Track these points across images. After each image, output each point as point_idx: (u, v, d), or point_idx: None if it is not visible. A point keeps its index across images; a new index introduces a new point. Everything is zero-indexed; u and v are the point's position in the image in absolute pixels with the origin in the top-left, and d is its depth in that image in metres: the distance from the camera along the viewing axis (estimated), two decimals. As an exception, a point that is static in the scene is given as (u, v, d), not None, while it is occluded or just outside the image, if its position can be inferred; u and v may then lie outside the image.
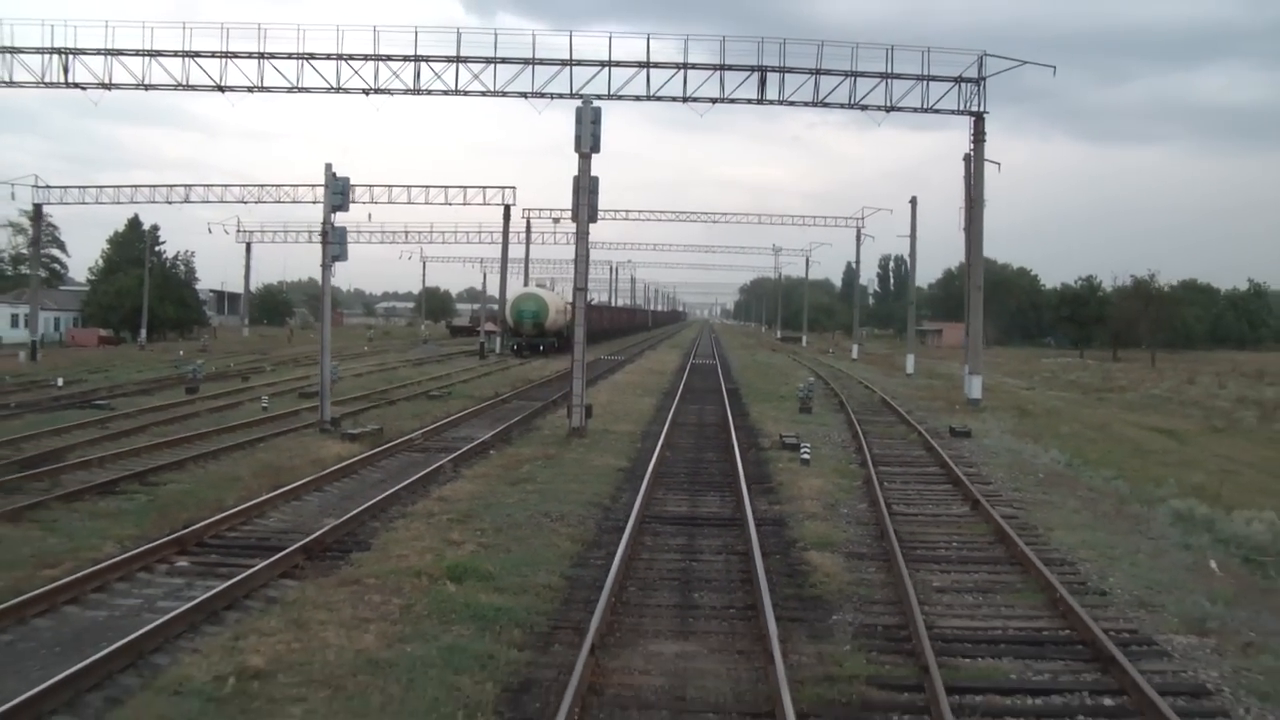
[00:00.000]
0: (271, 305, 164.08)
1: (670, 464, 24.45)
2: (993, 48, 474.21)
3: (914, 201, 66.05)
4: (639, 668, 10.89)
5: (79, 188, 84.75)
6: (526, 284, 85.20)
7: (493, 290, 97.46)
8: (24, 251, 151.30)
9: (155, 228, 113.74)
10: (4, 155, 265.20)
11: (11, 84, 42.11)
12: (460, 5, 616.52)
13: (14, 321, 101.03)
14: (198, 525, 16.74)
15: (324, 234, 29.00)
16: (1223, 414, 46.65)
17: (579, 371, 29.17)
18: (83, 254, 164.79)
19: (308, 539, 15.73)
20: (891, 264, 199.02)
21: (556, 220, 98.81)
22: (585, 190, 28.26)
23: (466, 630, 11.52)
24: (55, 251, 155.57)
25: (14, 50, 41.74)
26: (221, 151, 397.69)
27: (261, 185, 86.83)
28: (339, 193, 29.08)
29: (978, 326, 44.38)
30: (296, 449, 25.32)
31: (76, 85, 41.99)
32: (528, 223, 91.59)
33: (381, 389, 43.08)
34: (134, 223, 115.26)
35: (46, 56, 41.68)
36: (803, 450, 25.69)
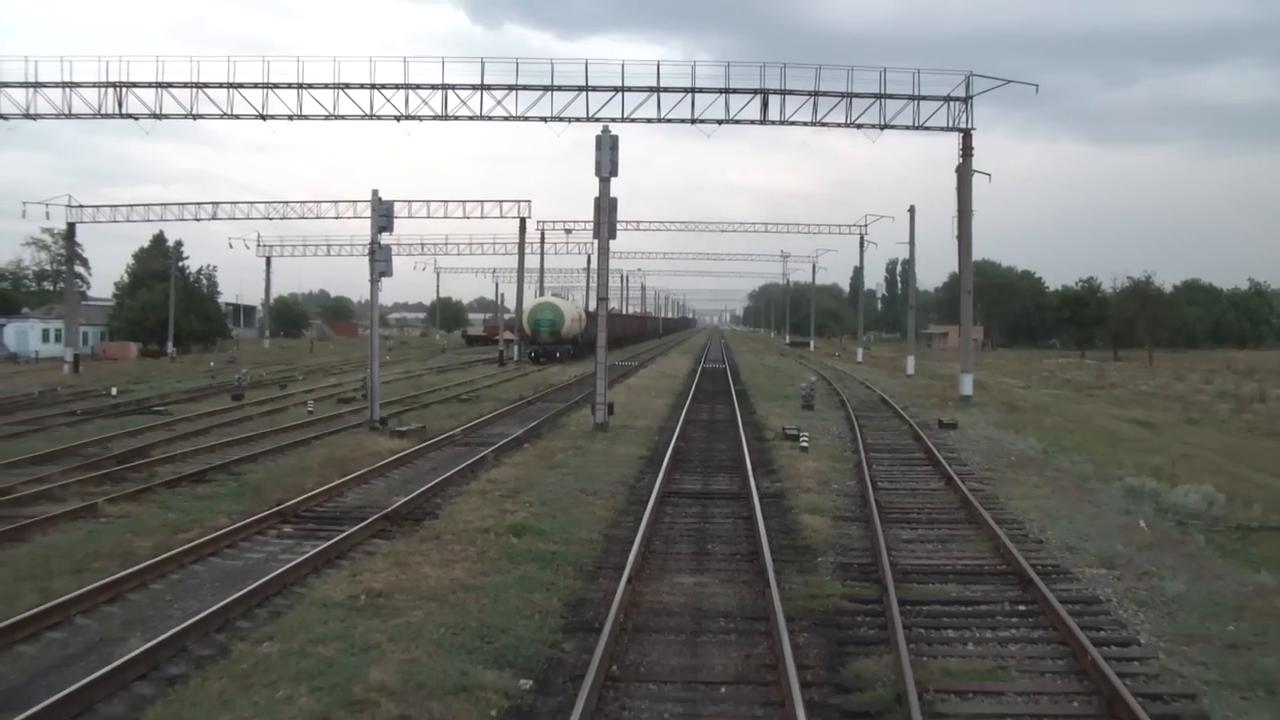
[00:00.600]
0: (287, 317, 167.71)
1: (685, 452, 27.82)
2: (997, 50, 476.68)
3: (912, 210, 69.43)
4: (665, 591, 14.26)
5: (110, 206, 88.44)
6: (541, 294, 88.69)
7: (507, 300, 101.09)
8: (47, 268, 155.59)
9: (179, 243, 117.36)
10: (14, 172, 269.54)
11: (71, 115, 45.71)
12: (466, 15, 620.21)
13: (46, 336, 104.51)
14: (291, 502, 20.14)
15: (371, 253, 32.42)
16: (1200, 407, 49.90)
17: (602, 373, 32.64)
18: (100, 269, 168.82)
19: (387, 510, 19.14)
20: (898, 268, 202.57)
21: (569, 231, 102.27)
22: (605, 210, 31.66)
23: (531, 567, 14.91)
24: (77, 268, 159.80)
25: (73, 85, 45.31)
26: (229, 164, 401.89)
27: (286, 202, 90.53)
28: (384, 215, 32.53)
29: (969, 329, 47.74)
30: (352, 444, 28.71)
31: (130, 116, 45.63)
32: (542, 235, 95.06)
33: (413, 394, 46.52)
34: (158, 239, 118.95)
35: (102, 90, 45.27)
36: (802, 440, 29.08)
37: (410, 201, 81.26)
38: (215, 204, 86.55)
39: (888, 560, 15.36)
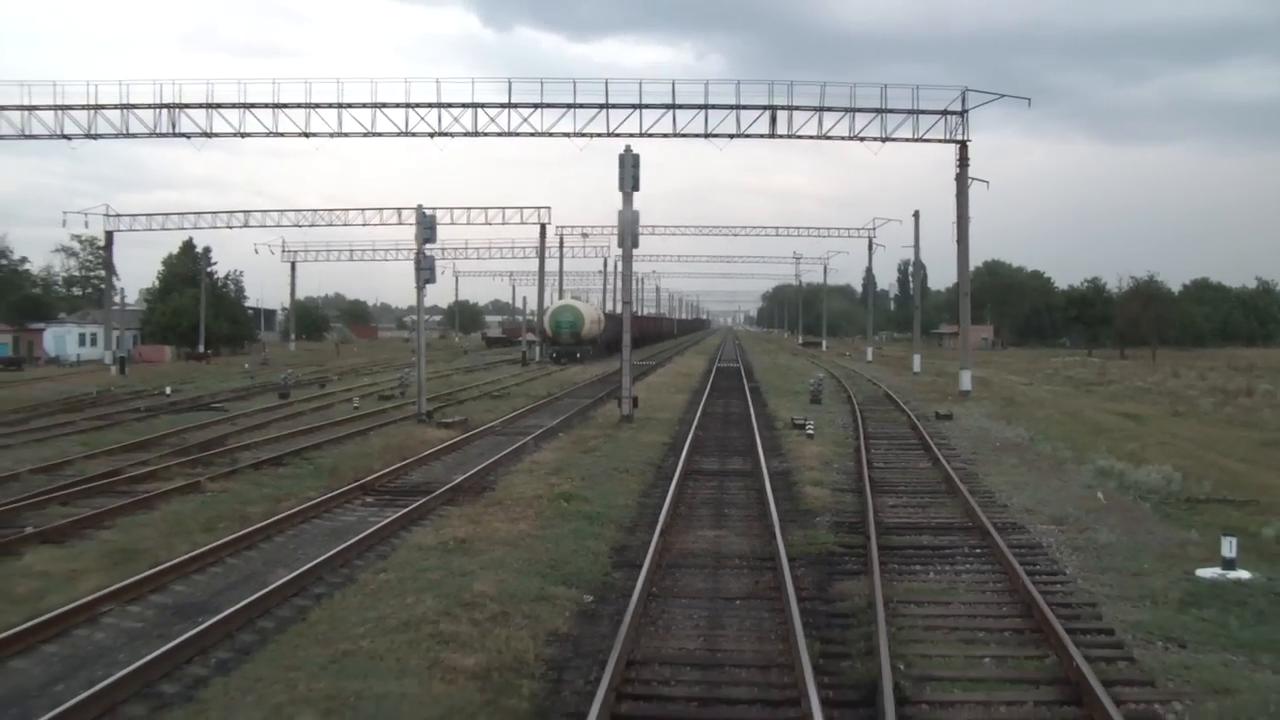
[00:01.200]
0: (308, 320, 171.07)
1: (703, 440, 31.27)
2: (1008, 48, 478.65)
3: (917, 215, 72.71)
4: (690, 541, 17.73)
5: (146, 215, 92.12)
6: (561, 296, 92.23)
7: (525, 303, 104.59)
8: (76, 274, 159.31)
9: (208, 250, 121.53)
10: (32, 178, 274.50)
11: (130, 135, 49.45)
12: (477, 19, 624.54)
13: (82, 340, 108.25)
14: (367, 479, 23.63)
15: (417, 262, 35.97)
16: (1188, 401, 53.17)
17: (627, 369, 36.14)
18: (123, 273, 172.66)
19: (451, 484, 22.64)
20: (910, 269, 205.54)
21: (586, 235, 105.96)
22: (629, 222, 35.14)
23: (581, 524, 18.40)
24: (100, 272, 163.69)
25: (130, 106, 48.97)
26: (242, 169, 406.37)
27: (315, 210, 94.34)
28: (428, 228, 36.15)
29: (967, 328, 51.17)
30: (404, 434, 32.21)
31: (183, 135, 49.25)
32: (561, 240, 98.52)
33: (447, 391, 50.05)
34: (187, 245, 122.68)
35: (157, 111, 48.93)
36: (808, 428, 32.53)
37: (434, 209, 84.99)
38: (246, 212, 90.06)
39: (873, 519, 18.75)
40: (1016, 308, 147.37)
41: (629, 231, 35.12)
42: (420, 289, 36.94)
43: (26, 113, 49.72)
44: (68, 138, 50.02)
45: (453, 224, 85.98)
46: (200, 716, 9.82)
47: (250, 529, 18.24)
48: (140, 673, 10.87)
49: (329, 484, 23.53)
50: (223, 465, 26.45)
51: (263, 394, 51.49)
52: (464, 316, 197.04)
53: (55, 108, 49.62)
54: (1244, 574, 15.28)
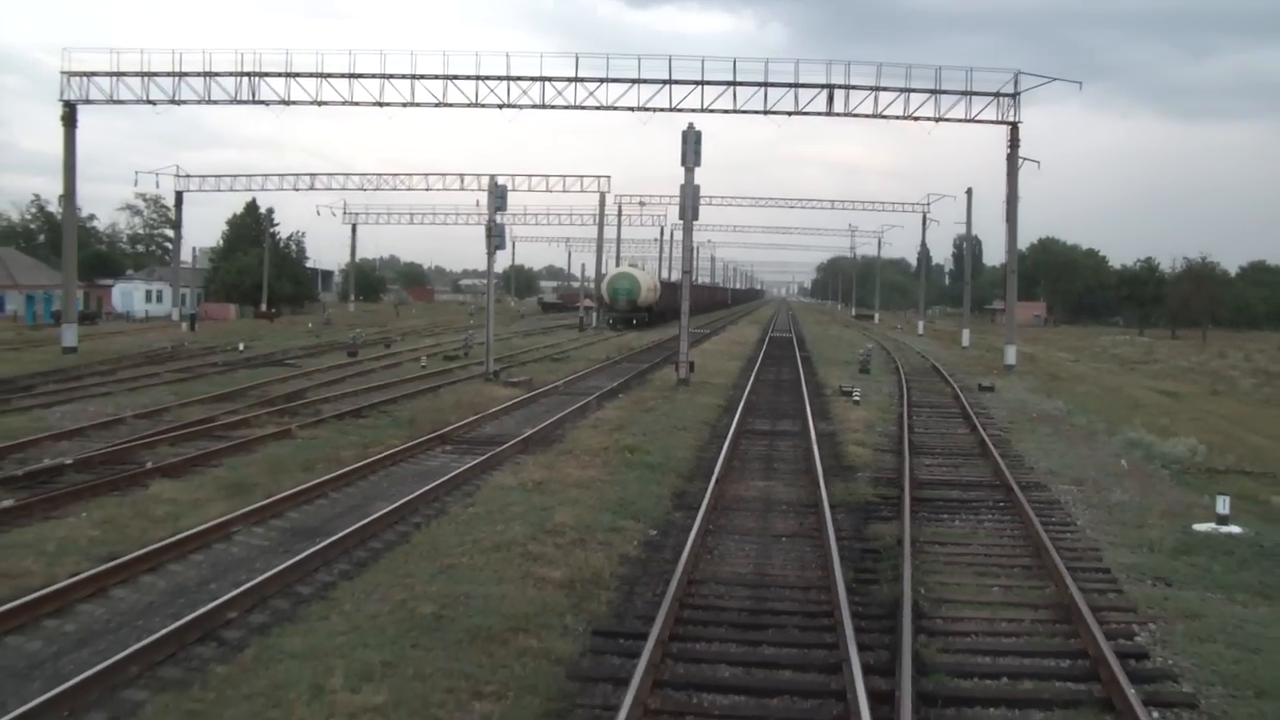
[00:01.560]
0: (365, 282, 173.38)
1: (756, 403, 33.27)
2: (1074, 22, 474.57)
3: (969, 192, 74.28)
4: (743, 490, 19.79)
5: (214, 176, 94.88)
6: (618, 264, 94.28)
7: (580, 269, 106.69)
8: (140, 231, 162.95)
9: (270, 210, 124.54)
10: (95, 136, 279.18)
11: (212, 102, 51.82)
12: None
13: (148, 296, 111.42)
14: (444, 430, 25.81)
15: (489, 230, 38.16)
16: (1229, 381, 54.68)
17: (684, 335, 38.21)
18: (187, 232, 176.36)
19: (522, 436, 24.80)
20: (965, 244, 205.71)
21: (643, 204, 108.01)
22: (690, 196, 37.09)
23: (644, 472, 20.53)
24: (169, 231, 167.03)
25: (213, 74, 51.37)
26: (300, 130, 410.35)
27: (380, 174, 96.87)
28: (500, 197, 38.29)
29: (1013, 305, 52.94)
30: (474, 392, 34.40)
31: (262, 102, 51.60)
32: (619, 208, 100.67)
33: (508, 354, 52.23)
34: (251, 205, 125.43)
35: (238, 79, 51.30)
36: (855, 395, 34.48)
37: (494, 174, 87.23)
38: (312, 175, 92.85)
39: (909, 475, 20.74)
40: (1070, 286, 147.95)
41: (690, 205, 37.05)
42: (490, 255, 39.12)
43: (115, 79, 52.17)
44: (153, 103, 52.50)
45: (513, 190, 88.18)
46: (335, 609, 11.97)
47: (346, 469, 20.45)
48: (279, 576, 13.07)
49: (409, 434, 25.71)
50: (308, 416, 28.71)
51: (330, 352, 53.91)
52: (519, 282, 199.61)
53: (141, 74, 52.03)
54: (1235, 529, 17.16)
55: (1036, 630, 12.36)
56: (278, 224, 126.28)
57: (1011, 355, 51.92)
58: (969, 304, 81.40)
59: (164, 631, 10.85)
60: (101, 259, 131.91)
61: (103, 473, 20.14)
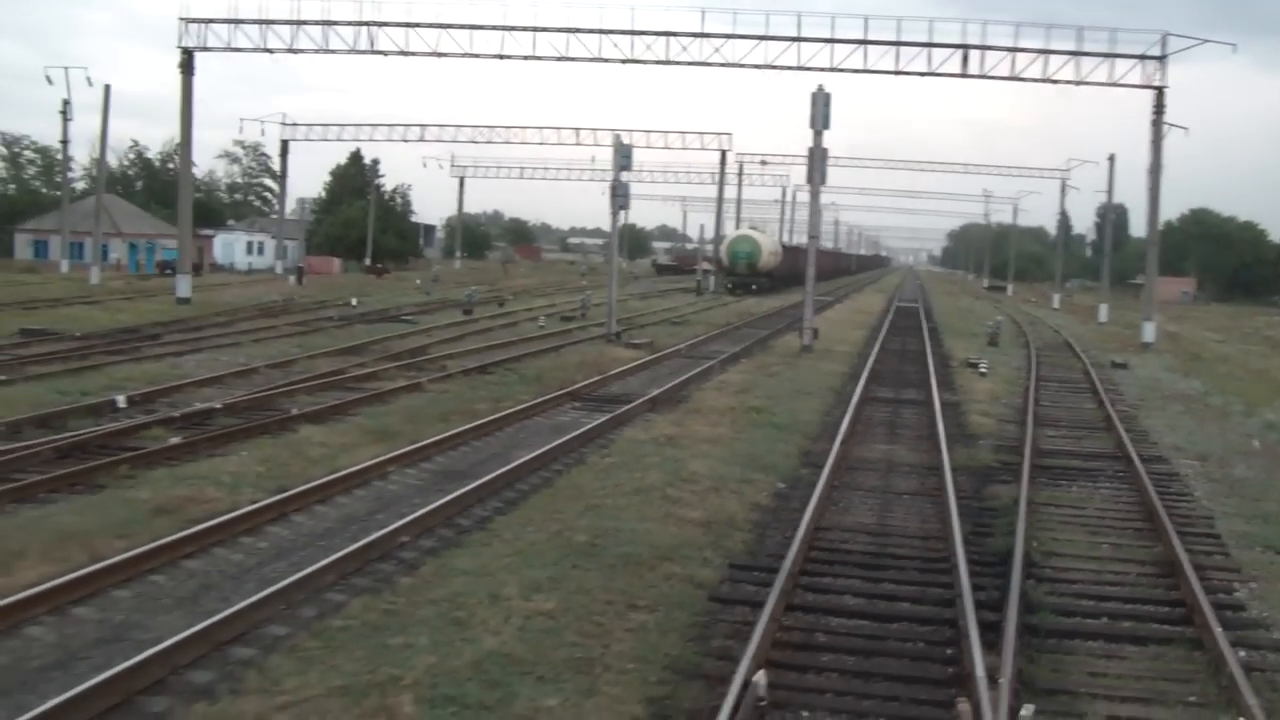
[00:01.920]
0: (469, 239, 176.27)
1: (880, 372, 35.10)
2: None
3: (1111, 159, 75.21)
4: (866, 451, 21.76)
5: (322, 125, 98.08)
6: (739, 226, 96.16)
7: (693, 229, 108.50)
8: (238, 180, 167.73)
9: (376, 162, 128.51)
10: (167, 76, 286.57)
11: (330, 51, 54.65)
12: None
13: (249, 248, 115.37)
14: (571, 388, 28.07)
15: (613, 189, 40.37)
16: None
17: (809, 301, 40.14)
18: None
19: (649, 396, 26.94)
20: (1106, 214, 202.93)
21: (765, 163, 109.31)
22: (819, 159, 38.94)
23: (771, 431, 22.62)
24: (268, 181, 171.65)
25: (331, 23, 54.13)
26: (405, 79, 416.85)
27: (492, 127, 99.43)
28: (625, 156, 40.54)
29: (1152, 279, 54.16)
30: (596, 352, 36.65)
31: (380, 52, 54.26)
32: (740, 168, 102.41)
33: (625, 316, 54.43)
34: (355, 156, 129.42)
35: (357, 28, 53.99)
36: (981, 367, 36.17)
37: (610, 129, 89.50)
38: (423, 126, 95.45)
39: (1030, 443, 22.52)
40: (1223, 260, 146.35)
41: (818, 169, 38.90)
42: (615, 216, 41.36)
43: (232, 26, 55.15)
44: (270, 51, 55.45)
45: (629, 146, 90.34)
46: (496, 537, 14.18)
47: (483, 421, 22.75)
48: (441, 509, 15.34)
49: (538, 390, 27.98)
50: (434, 371, 31.10)
51: (443, 310, 56.60)
52: (631, 242, 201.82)
53: (260, 22, 54.94)
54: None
55: (1140, 582, 14.19)
56: (383, 176, 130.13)
57: (1150, 332, 52.97)
58: (1108, 277, 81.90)
59: (350, 548, 13.15)
60: (201, 208, 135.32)
61: (250, 417, 22.63)
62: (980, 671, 9.85)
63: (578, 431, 21.79)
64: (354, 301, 57.96)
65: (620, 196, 40.51)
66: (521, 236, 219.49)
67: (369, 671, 9.61)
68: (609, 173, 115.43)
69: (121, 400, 23.58)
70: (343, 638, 10.47)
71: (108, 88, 74.09)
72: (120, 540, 13.31)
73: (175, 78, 55.71)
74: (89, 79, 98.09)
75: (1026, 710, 9.17)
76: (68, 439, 19.31)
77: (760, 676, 9.44)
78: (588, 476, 17.85)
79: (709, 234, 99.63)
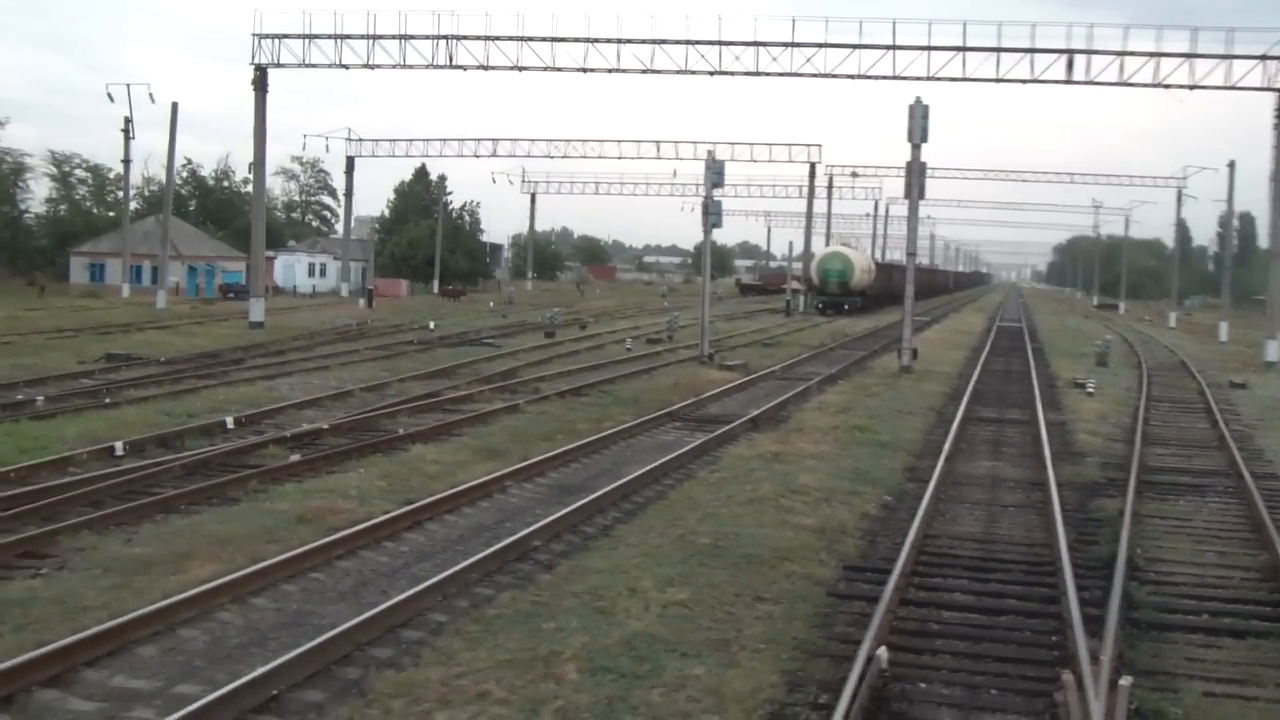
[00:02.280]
0: (540, 258, 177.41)
1: (982, 393, 36.88)
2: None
3: (1231, 165, 75.86)
4: (971, 468, 23.63)
5: (389, 140, 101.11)
6: (829, 243, 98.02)
7: (777, 246, 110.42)
8: (295, 198, 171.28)
9: (443, 178, 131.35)
10: (238, 92, 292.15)
11: (407, 67, 57.24)
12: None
13: (311, 270, 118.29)
14: (670, 409, 30.12)
15: (705, 208, 42.50)
16: None
17: (909, 321, 42.05)
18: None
19: (750, 416, 28.95)
20: (1236, 223, 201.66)
21: (855, 175, 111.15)
22: (917, 174, 40.83)
23: (875, 449, 24.56)
24: (326, 199, 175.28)
25: (408, 37, 56.78)
26: (475, 91, 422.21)
27: (569, 140, 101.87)
28: (717, 172, 42.59)
29: (1276, 294, 54.99)
30: (690, 374, 38.71)
31: (459, 67, 56.78)
32: (830, 181, 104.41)
33: (714, 338, 56.50)
34: (421, 172, 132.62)
35: (434, 42, 56.57)
36: (1089, 387, 37.85)
37: (694, 141, 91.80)
38: (495, 140, 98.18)
39: (1138, 460, 24.26)
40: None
41: (916, 184, 40.79)
42: (707, 235, 43.49)
43: (307, 41, 57.91)
44: (346, 67, 58.16)
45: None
46: (621, 541, 16.23)
47: (588, 440, 24.88)
48: (566, 518, 17.42)
49: (636, 411, 30.08)
50: (529, 393, 33.28)
51: (524, 333, 59.07)
52: (712, 260, 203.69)
53: (335, 37, 57.67)
54: None
55: (1243, 585, 15.96)
56: (450, 192, 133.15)
57: (1274, 351, 54.19)
58: (1228, 293, 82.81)
59: (490, 550, 15.24)
60: None
61: (358, 437, 24.97)
62: (1083, 652, 11.72)
63: (683, 449, 23.83)
64: (431, 325, 60.60)
65: (713, 214, 42.58)
66: (593, 255, 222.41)
67: (530, 648, 11.65)
68: (691, 187, 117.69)
69: (230, 421, 26.01)
70: (499, 623, 12.54)
71: (175, 105, 76.29)
72: (272, 544, 15.50)
73: (226, 90, 58.74)
74: (151, 95, 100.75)
75: (1125, 681, 10.97)
76: (192, 457, 21.73)
77: (882, 651, 11.37)
78: (700, 489, 19.88)
79: (797, 250, 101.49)
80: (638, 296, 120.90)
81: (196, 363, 39.97)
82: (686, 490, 19.99)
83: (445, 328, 61.93)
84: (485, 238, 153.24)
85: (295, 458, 21.89)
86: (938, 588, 15.11)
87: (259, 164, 61.83)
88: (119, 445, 22.30)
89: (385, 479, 20.38)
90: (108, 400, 29.17)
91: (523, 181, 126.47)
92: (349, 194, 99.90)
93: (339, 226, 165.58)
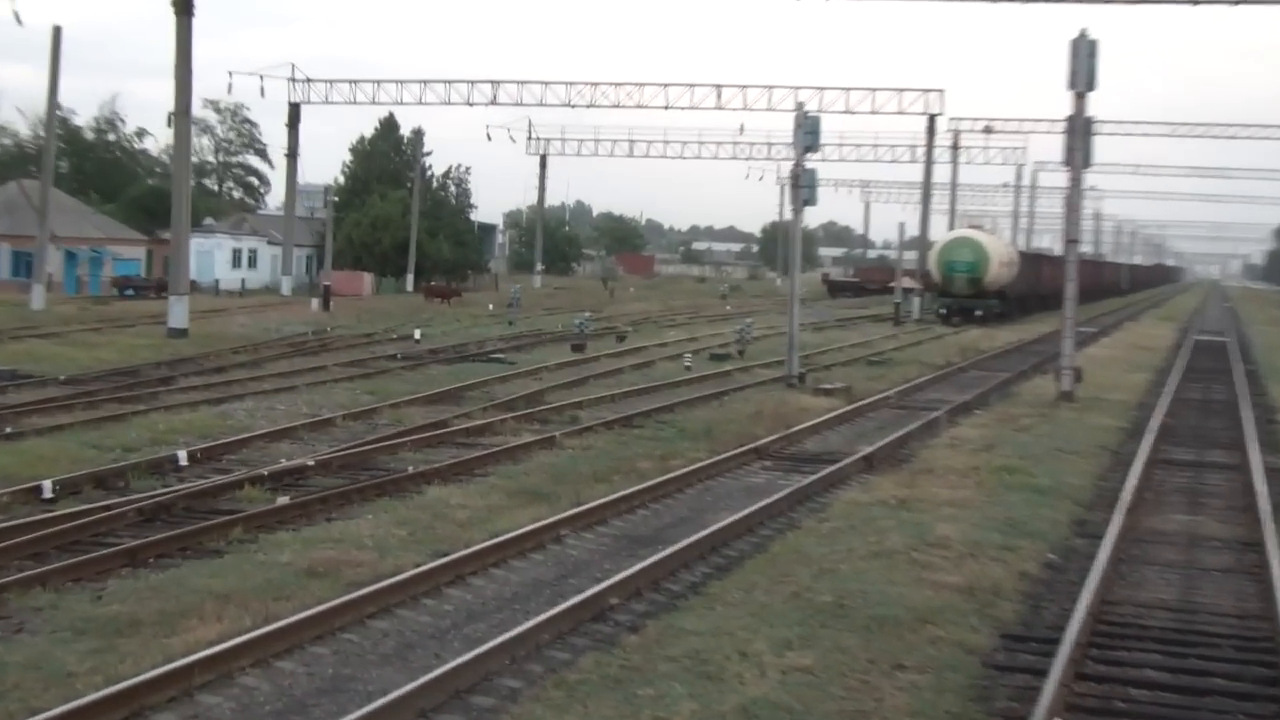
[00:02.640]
0: (552, 244, 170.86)
1: (1172, 428, 38.65)
2: None
3: None
4: (1159, 522, 25.48)
5: (346, 82, 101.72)
6: (953, 224, 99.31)
7: (879, 229, 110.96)
8: (210, 159, 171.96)
9: (419, 133, 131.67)
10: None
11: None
12: None
13: (236, 260, 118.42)
14: (755, 445, 32.06)
15: (794, 178, 44.34)
16: None
17: (1070, 333, 43.86)
18: (280, 162, 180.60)
19: (862, 454, 30.86)
20: None
21: (989, 131, 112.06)
22: (1081, 132, 42.59)
23: (1030, 495, 26.47)
24: (253, 160, 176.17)
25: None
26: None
27: (594, 84, 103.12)
28: (810, 132, 44.22)
29: None
30: (776, 400, 40.69)
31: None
32: (955, 139, 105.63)
33: (803, 354, 58.42)
34: (388, 125, 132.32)
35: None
36: (1328, 419, 39.65)
37: (771, 88, 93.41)
38: (494, 83, 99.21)
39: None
40: None
41: (1080, 146, 42.53)
42: (797, 215, 45.32)
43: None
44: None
45: (789, 109, 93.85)
46: (718, 600, 18.15)
47: (654, 481, 26.90)
48: (644, 572, 19.36)
49: (711, 447, 32.06)
50: (564, 423, 35.27)
51: (541, 345, 61.44)
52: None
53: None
54: None
55: None
56: (429, 153, 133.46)
57: None
58: None
59: (558, 609, 17.19)
60: (158, 198, 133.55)
61: (353, 476, 27.06)
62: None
63: (780, 494, 25.79)
64: (417, 335, 62.60)
65: (805, 188, 44.23)
66: (624, 240, 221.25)
67: (630, 716, 13.57)
68: (760, 147, 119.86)
69: (183, 457, 28.10)
70: (585, 689, 14.46)
71: (57, 30, 76.20)
72: (284, 601, 17.51)
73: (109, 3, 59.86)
74: (17, 14, 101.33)
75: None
76: (147, 499, 23.77)
77: (1059, 722, 13.24)
78: (809, 541, 21.81)
79: (909, 234, 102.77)
80: (687, 297, 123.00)
81: (111, 382, 42.29)
82: (792, 542, 21.91)
83: (434, 338, 64.19)
84: (476, 216, 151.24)
85: (284, 500, 23.95)
86: (1121, 661, 16.91)
87: (182, 115, 63.87)
88: (47, 486, 24.43)
89: (404, 526, 22.40)
90: (8, 430, 31.30)
91: (529, 139, 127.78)
92: (293, 154, 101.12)
93: (270, 200, 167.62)
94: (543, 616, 16.86)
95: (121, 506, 23.01)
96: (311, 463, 27.79)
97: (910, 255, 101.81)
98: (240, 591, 17.92)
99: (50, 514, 22.61)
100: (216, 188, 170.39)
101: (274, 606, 17.23)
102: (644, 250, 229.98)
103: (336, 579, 18.77)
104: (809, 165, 45.18)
